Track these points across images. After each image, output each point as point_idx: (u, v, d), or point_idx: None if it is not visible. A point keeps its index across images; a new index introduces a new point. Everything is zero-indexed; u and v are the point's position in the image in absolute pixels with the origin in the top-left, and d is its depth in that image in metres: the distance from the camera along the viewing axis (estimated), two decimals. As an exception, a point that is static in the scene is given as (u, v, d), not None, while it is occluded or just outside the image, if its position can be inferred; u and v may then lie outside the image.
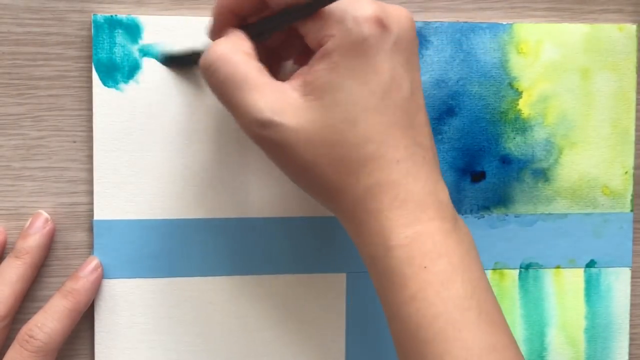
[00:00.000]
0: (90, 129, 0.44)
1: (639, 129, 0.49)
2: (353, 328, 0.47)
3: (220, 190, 0.45)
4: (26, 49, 0.44)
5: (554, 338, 0.49)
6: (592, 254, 0.49)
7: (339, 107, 0.36)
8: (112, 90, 0.44)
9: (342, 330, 0.47)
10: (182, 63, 0.44)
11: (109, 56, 0.44)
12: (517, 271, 0.48)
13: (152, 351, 0.45)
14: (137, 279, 0.45)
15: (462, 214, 0.47)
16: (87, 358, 0.45)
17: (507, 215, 0.48)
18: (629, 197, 0.49)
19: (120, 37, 0.44)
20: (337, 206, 0.38)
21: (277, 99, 0.36)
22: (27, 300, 0.44)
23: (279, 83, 0.37)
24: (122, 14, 0.44)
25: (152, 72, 0.44)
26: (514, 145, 0.48)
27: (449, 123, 0.47)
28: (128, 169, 0.44)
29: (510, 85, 0.48)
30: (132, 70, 0.44)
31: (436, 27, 0.47)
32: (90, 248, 0.45)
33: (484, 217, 0.48)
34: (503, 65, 0.47)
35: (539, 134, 0.48)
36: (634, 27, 0.48)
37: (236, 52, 0.37)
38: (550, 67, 0.48)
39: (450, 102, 0.47)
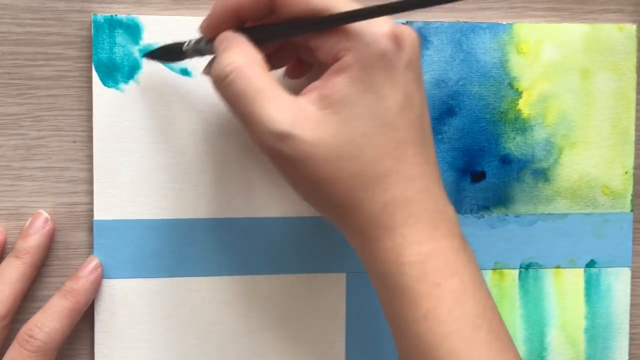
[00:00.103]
0: (90, 129, 0.44)
1: (639, 129, 0.49)
2: (353, 328, 0.47)
3: (220, 190, 0.45)
4: (26, 49, 0.44)
5: (554, 338, 0.49)
6: (592, 254, 0.49)
7: (357, 122, 0.36)
8: (112, 90, 0.44)
9: (342, 330, 0.47)
10: (164, 56, 0.43)
11: (109, 56, 0.44)
12: (517, 271, 0.48)
13: (152, 351, 0.45)
14: (137, 279, 0.45)
15: (462, 214, 0.47)
16: (87, 358, 0.45)
17: (507, 215, 0.48)
18: (629, 197, 0.49)
19: (120, 37, 0.44)
20: (349, 223, 0.38)
21: (295, 112, 0.36)
22: (27, 300, 0.44)
23: (294, 96, 0.37)
24: (122, 14, 0.44)
25: (152, 72, 0.44)
26: (514, 145, 0.48)
27: (449, 123, 0.47)
28: (128, 169, 0.44)
29: (510, 85, 0.48)
30: (132, 70, 0.44)
31: (436, 27, 0.47)
32: (90, 248, 0.45)
33: (484, 217, 0.48)
34: (503, 65, 0.47)
35: (539, 134, 0.48)
36: (634, 27, 0.48)
37: (250, 64, 0.37)
38: (550, 67, 0.48)
39: (450, 102, 0.47)
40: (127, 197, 0.44)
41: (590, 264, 0.49)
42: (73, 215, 0.45)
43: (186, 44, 0.41)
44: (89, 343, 0.45)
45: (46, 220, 0.44)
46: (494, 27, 0.47)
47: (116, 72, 0.44)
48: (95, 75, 0.44)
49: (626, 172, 0.49)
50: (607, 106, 0.48)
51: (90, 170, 0.44)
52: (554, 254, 0.48)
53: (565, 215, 0.48)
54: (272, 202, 0.46)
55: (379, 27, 0.36)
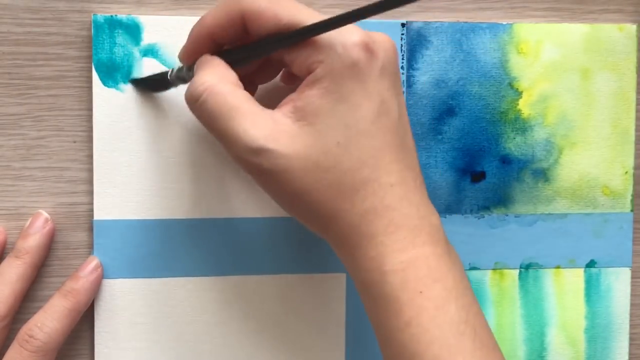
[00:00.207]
0: (90, 129, 0.44)
1: (639, 129, 0.49)
2: (353, 328, 0.47)
3: (221, 190, 0.45)
4: (26, 49, 0.44)
5: (554, 338, 0.49)
6: (592, 254, 0.49)
7: (332, 132, 0.36)
8: (112, 90, 0.44)
9: (342, 330, 0.47)
10: (150, 85, 0.44)
11: (109, 56, 0.44)
12: (517, 271, 0.48)
13: (152, 351, 0.45)
14: (137, 279, 0.45)
15: (462, 214, 0.47)
16: (87, 358, 0.45)
17: (507, 215, 0.48)
18: (629, 197, 0.49)
19: (120, 37, 0.44)
20: (330, 233, 0.38)
21: (269, 126, 0.36)
22: (27, 300, 0.44)
23: (269, 110, 0.37)
24: (122, 14, 0.44)
25: (152, 72, 0.44)
26: (514, 145, 0.48)
27: (449, 123, 0.47)
28: (128, 169, 0.44)
29: (510, 85, 0.48)
30: (132, 70, 0.44)
31: (436, 27, 0.47)
32: (90, 248, 0.45)
33: (484, 217, 0.48)
34: (503, 65, 0.47)
35: (539, 134, 0.48)
36: (634, 27, 0.48)
37: (223, 83, 0.37)
38: (550, 67, 0.48)
39: (450, 102, 0.47)
40: (127, 197, 0.45)
41: (590, 264, 0.49)
42: (73, 215, 0.45)
43: (169, 73, 0.42)
44: (89, 343, 0.45)
45: (46, 220, 0.44)
46: (494, 27, 0.47)
47: (116, 72, 0.44)
48: (95, 75, 0.44)
49: (626, 172, 0.49)
50: (607, 106, 0.48)
51: (90, 170, 0.44)
52: (554, 254, 0.48)
53: (565, 215, 0.48)
54: (273, 202, 0.46)
55: (349, 37, 0.36)
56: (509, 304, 0.48)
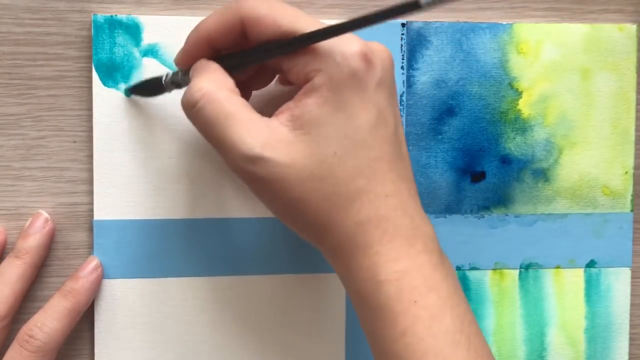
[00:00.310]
0: (90, 129, 0.44)
1: (639, 129, 0.49)
2: (353, 328, 0.47)
3: (221, 190, 0.45)
4: (26, 49, 0.44)
5: (554, 338, 0.49)
6: (592, 254, 0.49)
7: (329, 142, 0.36)
8: (112, 90, 0.44)
9: (342, 330, 0.47)
10: (144, 91, 0.44)
11: (109, 56, 0.44)
12: (517, 271, 0.48)
13: (152, 351, 0.45)
14: (137, 279, 0.45)
15: (462, 214, 0.47)
16: (87, 358, 0.45)
17: (507, 215, 0.48)
18: (629, 197, 0.49)
19: (120, 37, 0.44)
20: (325, 242, 0.38)
21: (266, 134, 0.36)
22: (27, 300, 0.44)
23: (265, 119, 0.37)
24: (122, 14, 0.44)
25: (152, 72, 0.44)
26: (514, 145, 0.48)
27: (449, 123, 0.47)
28: (128, 169, 0.44)
29: (510, 85, 0.48)
30: (132, 70, 0.44)
31: (436, 27, 0.47)
32: (90, 248, 0.45)
33: (484, 217, 0.48)
34: (503, 65, 0.47)
35: (539, 134, 0.48)
36: (634, 27, 0.48)
37: (220, 90, 0.37)
38: (550, 67, 0.48)
39: (450, 102, 0.47)
40: (127, 197, 0.45)
41: (590, 264, 0.49)
42: (73, 215, 0.45)
43: (164, 77, 0.42)
44: (89, 343, 0.45)
45: (46, 220, 0.44)
46: (494, 27, 0.47)
47: (116, 72, 0.44)
48: (95, 75, 0.44)
49: (626, 172, 0.49)
50: (607, 106, 0.48)
51: (90, 170, 0.45)
52: (554, 254, 0.48)
53: (565, 215, 0.49)
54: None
55: (349, 47, 0.36)
56: (509, 304, 0.48)
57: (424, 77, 0.47)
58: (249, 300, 0.46)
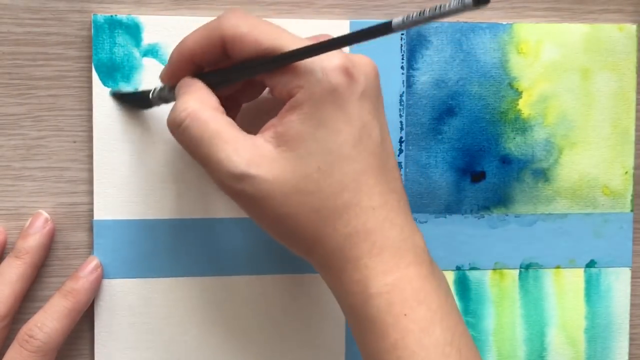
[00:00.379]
0: (90, 129, 0.44)
1: (639, 129, 0.49)
2: (353, 328, 0.47)
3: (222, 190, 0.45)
4: (26, 49, 0.44)
5: (554, 338, 0.49)
6: (592, 254, 0.49)
7: (313, 157, 0.36)
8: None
9: (342, 330, 0.47)
10: (131, 102, 0.44)
11: (109, 56, 0.44)
12: (517, 271, 0.48)
13: (152, 351, 0.45)
14: (137, 279, 0.45)
15: (462, 214, 0.47)
16: (87, 358, 0.45)
17: (507, 215, 0.48)
18: (629, 197, 0.49)
19: (120, 37, 0.44)
20: (315, 256, 0.38)
21: (251, 152, 0.37)
22: (27, 300, 0.44)
23: (250, 136, 0.37)
24: (122, 14, 0.44)
25: (152, 72, 0.44)
26: (514, 145, 0.48)
27: (449, 123, 0.47)
28: (128, 169, 0.44)
29: (510, 85, 0.48)
30: (132, 70, 0.44)
31: (436, 27, 0.47)
32: (90, 248, 0.45)
33: (484, 217, 0.48)
34: (503, 65, 0.47)
35: (539, 134, 0.48)
36: (634, 27, 0.48)
37: (205, 109, 0.37)
38: (550, 67, 0.48)
39: (450, 102, 0.47)
40: (127, 197, 0.45)
41: (590, 264, 0.49)
42: (73, 215, 0.45)
43: (151, 92, 0.42)
44: (89, 343, 0.45)
45: (46, 220, 0.44)
46: (494, 27, 0.47)
47: (116, 72, 0.44)
48: (95, 75, 0.44)
49: (626, 172, 0.49)
50: (607, 106, 0.48)
51: (90, 170, 0.45)
52: (554, 254, 0.48)
53: (565, 215, 0.48)
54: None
55: (329, 62, 0.36)
56: (509, 304, 0.48)
57: (423, 77, 0.47)
58: (250, 300, 0.46)
